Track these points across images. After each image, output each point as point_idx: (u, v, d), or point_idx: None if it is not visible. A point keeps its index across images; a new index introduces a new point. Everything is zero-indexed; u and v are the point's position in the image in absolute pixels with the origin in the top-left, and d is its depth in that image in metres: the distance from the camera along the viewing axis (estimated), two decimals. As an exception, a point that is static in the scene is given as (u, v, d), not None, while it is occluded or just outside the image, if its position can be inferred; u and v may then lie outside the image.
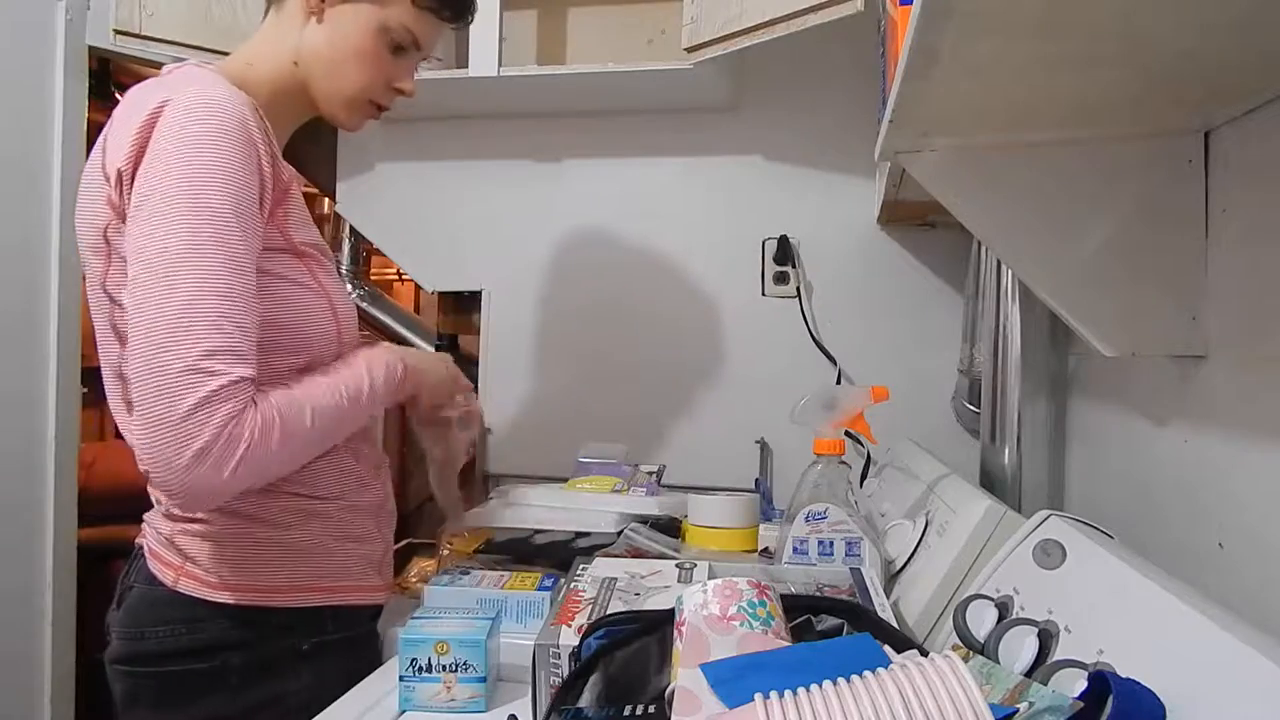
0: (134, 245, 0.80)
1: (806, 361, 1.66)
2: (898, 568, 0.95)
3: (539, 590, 0.92)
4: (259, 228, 0.85)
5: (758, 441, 1.67)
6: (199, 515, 0.90)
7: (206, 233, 0.79)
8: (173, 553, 0.91)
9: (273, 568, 0.91)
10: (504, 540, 1.15)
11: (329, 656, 0.92)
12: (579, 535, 1.13)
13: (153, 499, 0.96)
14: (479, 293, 1.83)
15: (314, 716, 0.78)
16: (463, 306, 1.94)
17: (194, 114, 0.81)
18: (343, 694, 0.84)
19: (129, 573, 0.95)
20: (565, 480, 1.34)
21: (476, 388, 1.82)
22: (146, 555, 0.93)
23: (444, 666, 0.77)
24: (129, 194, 0.82)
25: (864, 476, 1.51)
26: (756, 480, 1.64)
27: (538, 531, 1.16)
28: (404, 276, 3.39)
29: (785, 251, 1.66)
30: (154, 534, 0.93)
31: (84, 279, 1.00)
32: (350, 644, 0.96)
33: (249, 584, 0.90)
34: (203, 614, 0.89)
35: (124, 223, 0.82)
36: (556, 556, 1.09)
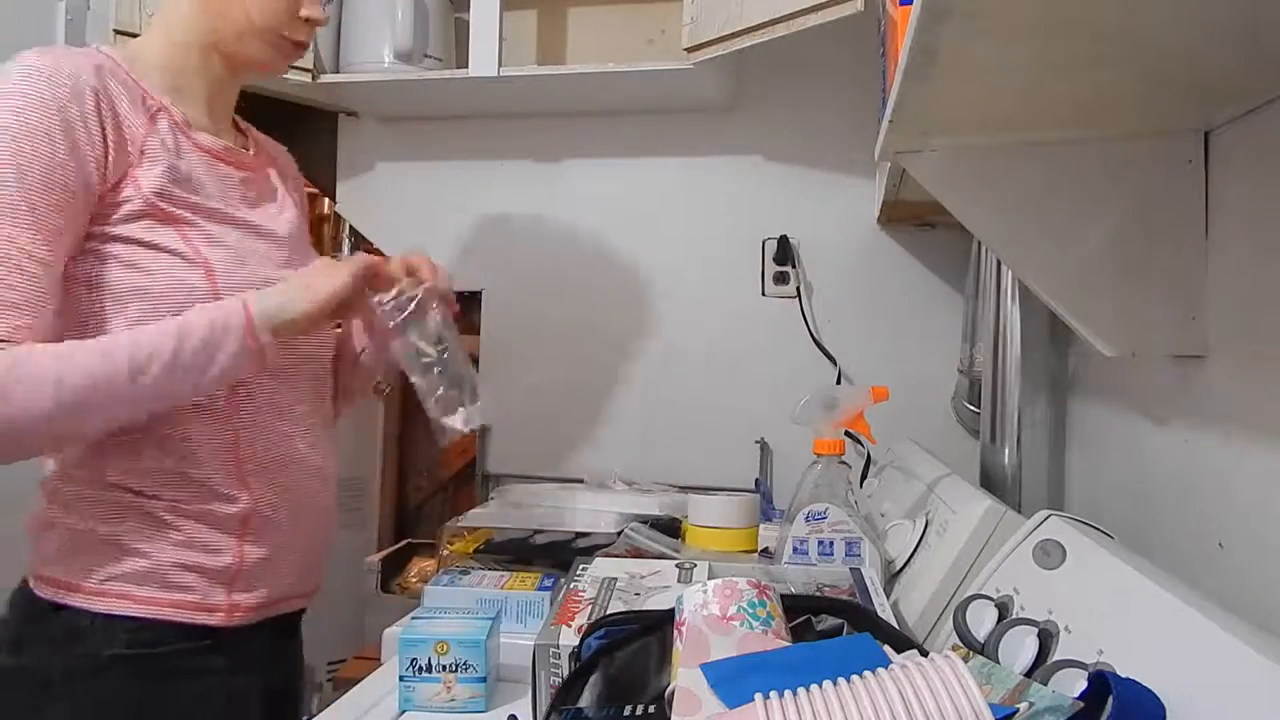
0: None
1: (806, 361, 1.65)
2: (898, 568, 0.95)
3: (539, 590, 0.92)
4: (57, 196, 0.80)
5: (758, 441, 1.67)
6: (44, 500, 0.87)
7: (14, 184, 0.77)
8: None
9: (87, 560, 0.85)
10: (504, 540, 1.15)
11: (111, 681, 0.83)
12: (579, 535, 1.13)
13: None
14: (479, 293, 1.83)
15: None
16: (463, 306, 1.94)
17: (7, 77, 0.80)
18: None
19: None
20: (565, 480, 1.34)
21: (476, 388, 1.82)
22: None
23: (444, 666, 0.77)
24: None
25: (864, 476, 1.51)
26: (756, 480, 1.64)
27: (537, 531, 1.15)
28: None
29: (785, 251, 1.66)
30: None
31: None
32: (140, 672, 0.84)
33: (65, 579, 0.85)
34: (22, 609, 0.85)
35: None
36: (556, 556, 1.09)
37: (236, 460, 0.90)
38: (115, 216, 0.84)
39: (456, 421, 1.00)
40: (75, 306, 0.84)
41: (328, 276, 0.90)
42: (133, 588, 0.85)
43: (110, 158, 0.83)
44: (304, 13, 0.96)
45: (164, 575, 0.86)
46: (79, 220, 0.83)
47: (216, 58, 0.96)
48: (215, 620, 0.88)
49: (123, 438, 0.85)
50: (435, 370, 0.98)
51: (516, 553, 1.12)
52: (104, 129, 0.83)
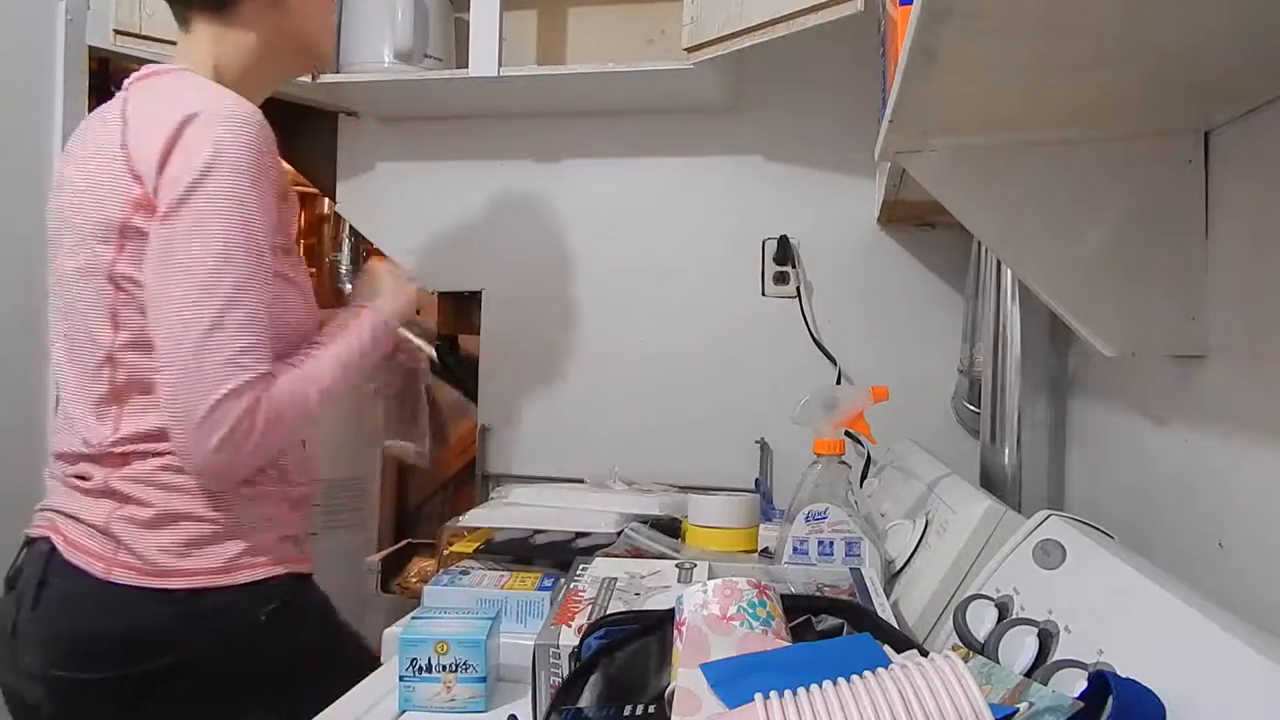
0: (171, 247, 0.88)
1: (806, 361, 1.65)
2: (898, 568, 0.95)
3: (539, 590, 0.92)
4: (274, 234, 0.94)
5: (758, 441, 1.67)
6: (140, 496, 0.92)
7: (239, 240, 0.89)
8: (105, 543, 0.91)
9: (215, 550, 0.93)
10: (504, 540, 1.15)
11: (286, 625, 0.97)
12: (579, 535, 1.13)
13: (63, 478, 0.97)
14: (479, 293, 1.83)
15: (301, 685, 0.81)
16: (463, 306, 1.94)
17: (229, 127, 0.90)
18: (316, 654, 0.96)
19: (33, 569, 0.92)
20: (564, 480, 1.34)
21: (477, 387, 1.83)
22: (61, 548, 0.91)
23: (444, 666, 0.77)
24: (160, 194, 0.89)
25: (864, 476, 1.51)
26: (756, 480, 1.64)
27: (537, 531, 1.15)
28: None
29: (785, 251, 1.66)
30: (73, 524, 0.92)
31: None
32: (300, 613, 1.00)
33: (192, 567, 0.92)
34: (144, 607, 0.89)
35: (152, 217, 0.89)
36: (556, 556, 1.09)
37: (301, 450, 1.06)
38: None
39: (408, 450, 1.28)
40: None
41: (407, 298, 1.17)
42: (250, 558, 0.96)
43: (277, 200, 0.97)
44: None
45: (270, 548, 0.98)
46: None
47: (267, 89, 1.10)
48: (307, 568, 1.04)
49: None
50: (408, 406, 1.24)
51: (516, 553, 1.11)
52: (275, 177, 0.96)
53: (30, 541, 0.96)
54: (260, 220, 0.91)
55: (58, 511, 0.95)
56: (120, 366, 0.93)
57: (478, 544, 1.14)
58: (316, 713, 0.76)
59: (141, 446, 0.93)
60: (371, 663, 0.89)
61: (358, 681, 0.83)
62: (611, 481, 1.38)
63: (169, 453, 0.92)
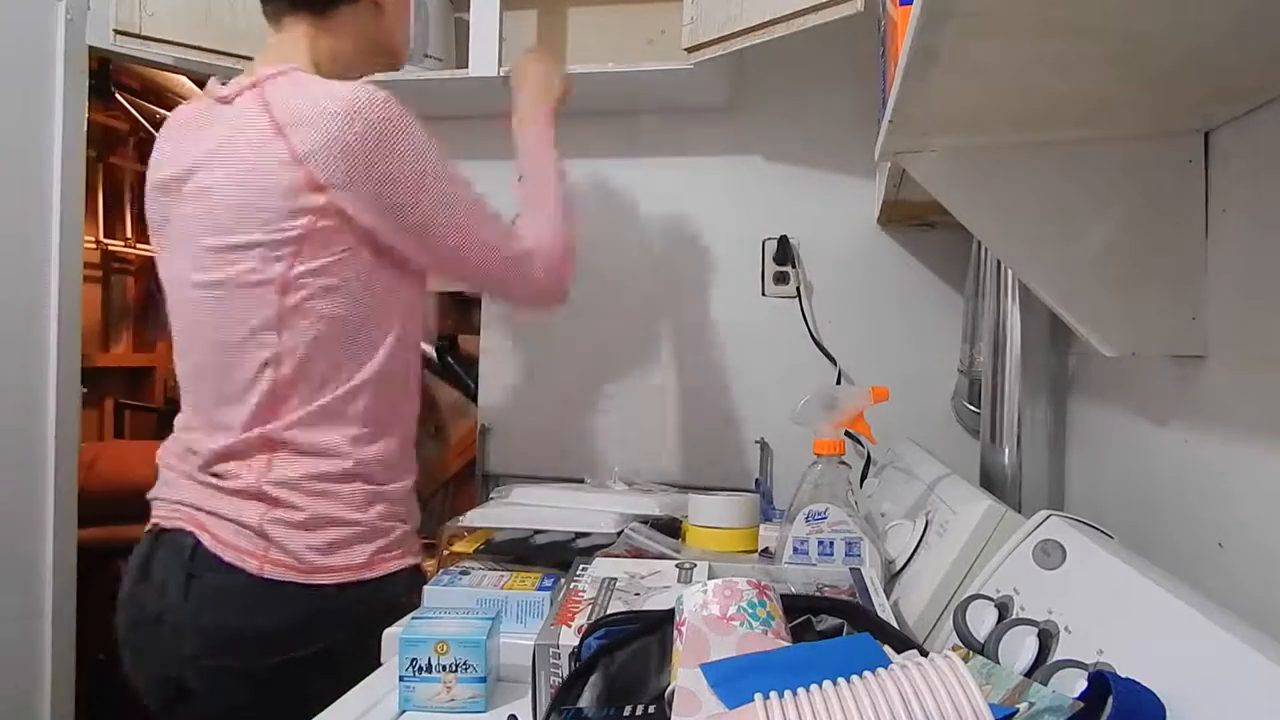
0: (430, 212, 1.02)
1: (806, 361, 1.65)
2: (898, 568, 0.95)
3: (539, 590, 0.92)
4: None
5: (758, 441, 1.67)
6: (292, 501, 0.98)
7: (461, 180, 1.06)
8: (256, 542, 0.96)
9: (356, 550, 1.00)
10: (504, 540, 1.15)
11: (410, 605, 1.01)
12: (579, 535, 1.13)
13: (200, 478, 1.01)
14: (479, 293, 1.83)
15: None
16: (463, 306, 1.94)
17: (391, 107, 0.98)
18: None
19: (177, 563, 0.97)
20: (564, 480, 1.35)
21: (477, 387, 1.83)
22: (207, 544, 0.96)
23: (444, 666, 0.77)
24: (344, 184, 0.96)
25: (864, 476, 1.51)
26: (756, 480, 1.64)
27: (537, 531, 1.16)
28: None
29: (785, 251, 1.66)
30: (218, 521, 0.97)
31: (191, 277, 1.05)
32: (416, 596, 1.04)
33: (340, 564, 0.98)
34: (297, 601, 0.96)
35: (331, 219, 0.96)
36: (556, 557, 1.09)
37: (413, 437, 1.13)
38: None
39: None
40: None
41: (554, 84, 1.35)
42: (385, 554, 1.03)
43: None
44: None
45: (400, 541, 1.05)
46: None
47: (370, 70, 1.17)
48: (423, 559, 1.11)
49: (373, 437, 1.04)
50: None
51: (516, 553, 1.12)
52: None
53: (162, 532, 1.00)
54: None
55: (198, 509, 0.99)
56: (280, 369, 0.99)
57: (478, 544, 1.15)
58: None
59: (290, 446, 1.00)
60: None
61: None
62: (612, 481, 1.38)
63: (316, 453, 1.00)
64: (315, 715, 0.84)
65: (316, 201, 0.95)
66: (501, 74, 1.46)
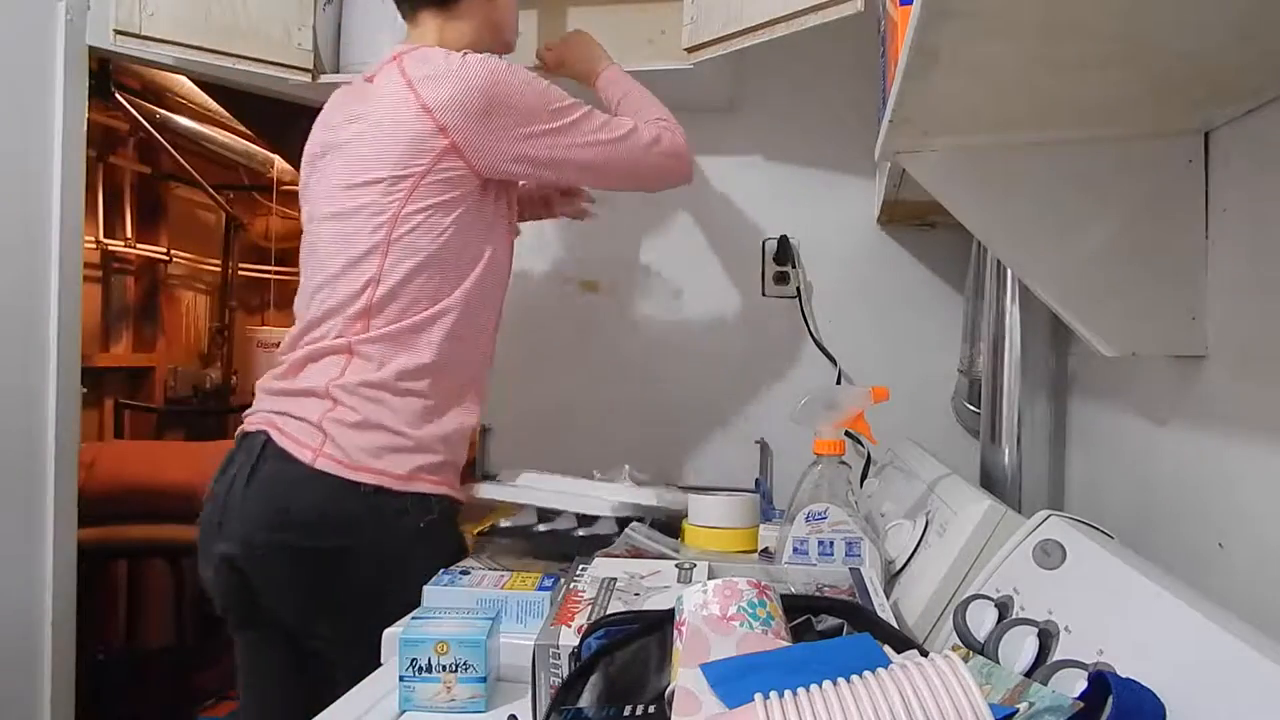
0: (564, 138, 1.17)
1: (806, 361, 1.65)
2: (898, 568, 0.95)
3: (539, 590, 0.92)
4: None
5: (758, 441, 1.67)
6: (349, 403, 1.09)
7: (571, 102, 1.19)
8: (314, 435, 1.08)
9: (401, 458, 1.10)
10: (507, 526, 1.20)
11: (438, 532, 1.12)
12: (582, 522, 1.18)
13: (279, 388, 1.14)
14: (479, 293, 1.82)
15: (427, 583, 0.93)
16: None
17: (498, 62, 1.15)
18: (450, 564, 1.04)
19: (247, 458, 1.10)
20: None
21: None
22: (275, 437, 1.09)
23: (444, 666, 0.77)
24: (462, 128, 1.11)
25: (864, 476, 1.51)
26: (756, 480, 1.64)
27: (541, 520, 1.21)
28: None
29: (785, 251, 1.66)
30: (286, 418, 1.10)
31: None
32: (449, 521, 1.16)
33: (381, 468, 1.08)
34: (339, 492, 1.06)
35: (450, 159, 1.12)
36: (558, 547, 1.13)
37: (481, 384, 1.23)
38: None
39: None
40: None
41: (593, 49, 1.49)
42: (425, 474, 1.12)
43: None
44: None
45: (441, 468, 1.14)
46: None
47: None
48: (463, 497, 1.19)
49: (440, 364, 1.14)
50: None
51: (520, 538, 1.17)
52: None
53: (245, 435, 1.14)
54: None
55: (274, 412, 1.13)
56: (379, 289, 1.11)
57: (480, 528, 1.21)
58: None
59: (361, 355, 1.12)
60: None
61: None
62: (623, 479, 1.39)
63: (383, 366, 1.11)
64: (328, 605, 1.03)
65: (439, 144, 1.11)
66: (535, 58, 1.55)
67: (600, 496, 1.20)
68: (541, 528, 1.19)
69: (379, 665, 0.87)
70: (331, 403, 1.10)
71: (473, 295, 1.17)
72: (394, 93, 1.14)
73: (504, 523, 1.22)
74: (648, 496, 1.22)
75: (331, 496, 1.07)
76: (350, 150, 1.16)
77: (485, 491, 1.24)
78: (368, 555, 1.07)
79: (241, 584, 1.09)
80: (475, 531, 1.21)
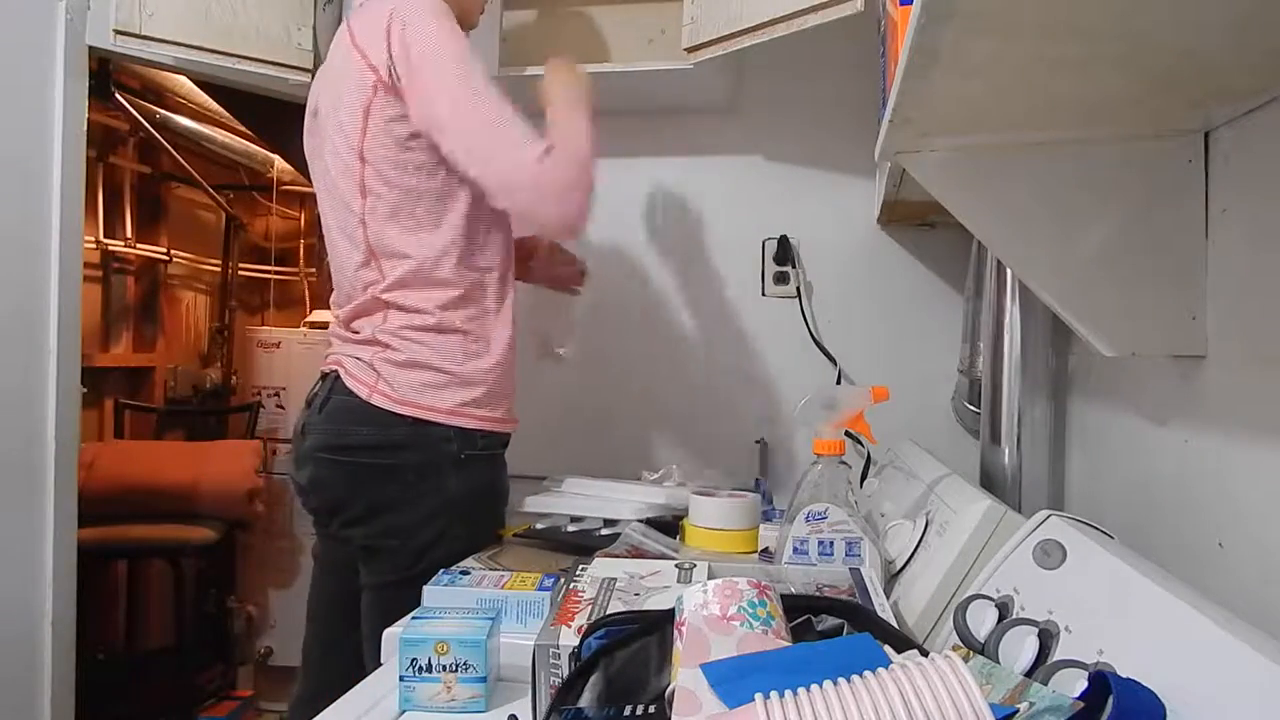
0: (435, 93, 1.15)
1: (806, 361, 1.65)
2: (898, 568, 0.95)
3: (539, 590, 0.92)
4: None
5: (758, 441, 1.66)
6: (395, 345, 1.20)
7: (478, 69, 1.16)
8: (370, 374, 1.21)
9: (445, 394, 1.20)
10: (544, 527, 1.28)
11: (476, 465, 1.23)
12: (607, 523, 1.25)
13: (343, 335, 1.27)
14: (479, 293, 1.82)
15: (462, 509, 1.17)
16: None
17: (424, 7, 1.16)
18: (484, 495, 1.25)
19: (324, 390, 1.26)
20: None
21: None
22: (342, 375, 1.23)
23: (444, 666, 0.77)
24: (396, 72, 1.15)
25: (864, 476, 1.50)
26: (757, 480, 1.64)
27: (572, 520, 1.29)
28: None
29: (785, 251, 1.66)
30: (351, 360, 1.23)
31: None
32: (490, 459, 1.26)
33: (427, 404, 1.19)
34: (389, 422, 1.19)
35: (390, 94, 1.16)
36: (585, 546, 1.16)
37: (506, 334, 1.28)
38: None
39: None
40: None
41: (579, 81, 1.42)
42: (469, 409, 1.22)
43: None
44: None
45: (485, 402, 1.24)
46: None
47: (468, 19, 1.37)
48: (510, 429, 1.29)
49: (462, 301, 1.23)
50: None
51: (551, 539, 1.24)
52: None
53: (324, 375, 1.29)
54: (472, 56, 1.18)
55: (342, 354, 1.26)
56: (369, 230, 1.20)
57: (515, 531, 1.30)
58: (466, 543, 1.19)
59: (394, 305, 1.22)
60: (501, 523, 1.30)
61: (495, 531, 1.27)
62: (671, 482, 1.40)
63: (412, 311, 1.21)
64: (381, 516, 1.19)
65: (370, 79, 1.16)
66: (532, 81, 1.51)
67: (625, 499, 1.28)
68: (571, 528, 1.27)
69: (403, 574, 1.11)
70: (381, 346, 1.22)
71: (465, 232, 1.22)
72: (341, 40, 1.25)
73: (539, 525, 1.30)
74: (656, 496, 1.28)
75: (383, 427, 1.20)
76: (325, 102, 1.25)
77: (538, 505, 1.33)
78: (411, 468, 1.20)
79: (314, 481, 1.25)
80: (512, 534, 1.28)
